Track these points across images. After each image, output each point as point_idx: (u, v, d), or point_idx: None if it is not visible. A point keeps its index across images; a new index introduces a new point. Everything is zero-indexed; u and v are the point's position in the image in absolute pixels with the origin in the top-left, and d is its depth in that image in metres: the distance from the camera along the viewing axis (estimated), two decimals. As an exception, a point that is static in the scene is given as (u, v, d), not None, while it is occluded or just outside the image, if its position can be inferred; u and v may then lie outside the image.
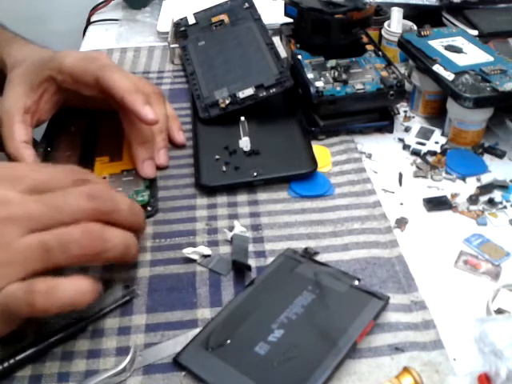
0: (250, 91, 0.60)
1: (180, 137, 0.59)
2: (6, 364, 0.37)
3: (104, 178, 0.53)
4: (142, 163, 0.53)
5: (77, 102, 0.58)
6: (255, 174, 0.53)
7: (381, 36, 0.74)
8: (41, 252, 0.36)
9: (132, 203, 0.42)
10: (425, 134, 0.60)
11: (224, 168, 0.54)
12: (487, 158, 0.57)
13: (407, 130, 0.62)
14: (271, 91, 0.60)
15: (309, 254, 0.46)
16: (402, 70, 0.71)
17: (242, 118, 0.59)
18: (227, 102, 0.61)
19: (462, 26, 0.71)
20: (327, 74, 0.60)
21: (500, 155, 0.58)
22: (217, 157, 0.56)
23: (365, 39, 0.66)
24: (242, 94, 0.60)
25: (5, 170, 0.40)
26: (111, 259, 0.39)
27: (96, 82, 0.51)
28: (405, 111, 0.65)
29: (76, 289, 0.36)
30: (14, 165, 0.47)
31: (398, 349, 0.39)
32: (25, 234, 0.36)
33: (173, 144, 0.59)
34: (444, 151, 0.57)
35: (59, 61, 0.53)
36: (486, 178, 0.54)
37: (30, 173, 0.40)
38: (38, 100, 0.54)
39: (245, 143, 0.56)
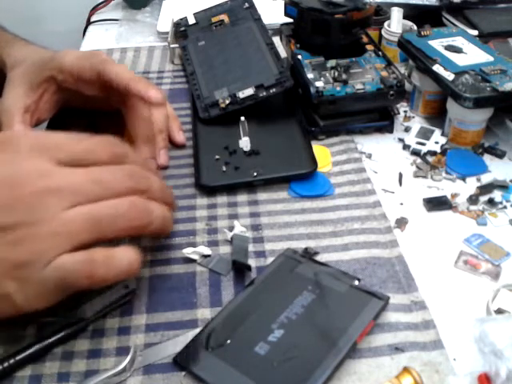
0: (250, 91, 0.60)
1: (180, 137, 0.59)
2: (5, 364, 0.37)
3: None
4: (177, 132, 0.55)
5: (77, 102, 0.58)
6: (255, 174, 0.53)
7: (381, 36, 0.74)
8: (89, 224, 0.36)
9: (163, 183, 0.43)
10: (425, 134, 0.60)
11: (224, 168, 0.54)
12: (487, 158, 0.57)
13: (407, 130, 0.62)
14: (271, 91, 0.60)
15: (309, 254, 0.46)
16: (402, 70, 0.71)
17: (242, 118, 0.59)
18: (227, 101, 0.61)
19: (462, 26, 0.71)
20: (327, 74, 0.60)
21: (500, 155, 0.58)
22: (217, 157, 0.56)
23: (365, 39, 0.66)
24: (242, 94, 0.60)
25: (39, 140, 0.39)
26: (153, 232, 0.40)
27: (97, 77, 0.51)
28: (405, 111, 0.65)
29: (129, 258, 0.38)
30: (47, 134, 0.44)
31: (397, 349, 0.39)
32: (69, 206, 0.36)
33: (173, 144, 0.59)
34: (444, 151, 0.57)
35: (59, 60, 0.53)
36: (486, 178, 0.54)
37: (65, 143, 0.39)
38: (37, 100, 0.54)
39: (245, 143, 0.56)
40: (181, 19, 0.78)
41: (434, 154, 0.57)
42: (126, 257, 0.37)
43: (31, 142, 0.38)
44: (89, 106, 0.59)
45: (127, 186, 0.39)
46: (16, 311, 0.37)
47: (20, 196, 0.35)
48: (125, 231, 0.38)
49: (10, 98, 0.54)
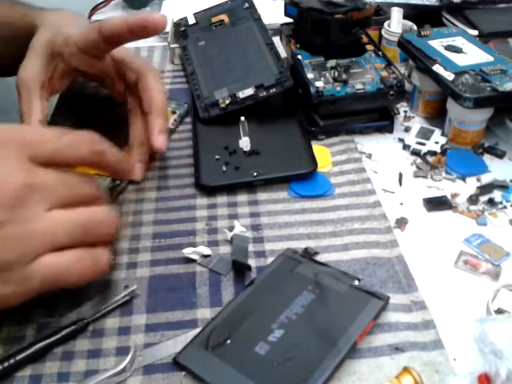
0: (250, 91, 0.60)
1: (159, 142, 0.55)
2: (5, 364, 0.37)
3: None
4: (158, 134, 0.52)
5: (88, 76, 0.58)
6: (255, 174, 0.53)
7: (381, 36, 0.74)
8: (72, 229, 0.37)
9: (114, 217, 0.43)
10: (425, 134, 0.60)
11: (224, 168, 0.54)
12: (487, 158, 0.57)
13: (407, 130, 0.62)
14: (271, 91, 0.60)
15: (309, 254, 0.46)
16: (402, 70, 0.71)
17: (242, 118, 0.59)
18: (227, 101, 0.61)
19: (462, 26, 0.71)
20: (327, 74, 0.60)
21: (500, 155, 0.58)
22: (217, 157, 0.56)
23: (365, 39, 0.66)
24: (242, 94, 0.60)
25: (12, 135, 0.37)
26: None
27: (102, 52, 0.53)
28: (405, 111, 0.65)
29: (108, 256, 0.40)
30: (28, 129, 0.43)
31: (398, 349, 0.39)
32: (50, 208, 0.36)
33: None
34: (444, 151, 0.57)
35: (67, 33, 0.53)
36: (485, 178, 0.54)
37: (46, 139, 0.38)
38: (50, 76, 0.55)
39: (245, 143, 0.56)
40: (181, 19, 0.78)
41: (434, 154, 0.57)
42: (106, 254, 0.40)
43: (11, 138, 0.37)
44: (98, 75, 0.58)
45: (77, 238, 0.39)
46: None
47: (1, 196, 0.35)
48: (103, 237, 0.40)
49: (29, 69, 0.54)
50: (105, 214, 0.40)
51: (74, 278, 0.38)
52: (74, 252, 0.37)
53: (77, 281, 0.38)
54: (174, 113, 0.63)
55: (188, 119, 0.63)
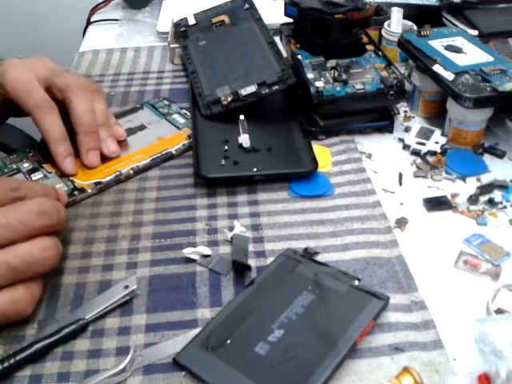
0: (252, 88, 0.60)
1: (110, 148, 0.57)
2: (6, 364, 0.37)
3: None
4: (86, 152, 0.55)
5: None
6: (255, 169, 0.53)
7: (381, 36, 0.74)
8: (5, 272, 0.38)
9: (62, 208, 0.43)
10: (425, 134, 0.60)
11: (223, 162, 0.54)
12: (487, 158, 0.57)
13: (407, 130, 0.62)
14: (273, 88, 0.60)
15: (309, 254, 0.46)
16: (402, 70, 0.71)
17: (242, 117, 0.59)
18: (229, 99, 0.61)
19: (462, 26, 0.71)
20: (327, 74, 0.60)
21: (500, 155, 0.58)
22: (216, 151, 0.55)
23: (365, 39, 0.66)
24: (244, 92, 0.60)
25: None
26: None
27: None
28: (405, 111, 0.65)
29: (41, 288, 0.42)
30: None
31: (398, 349, 0.39)
32: None
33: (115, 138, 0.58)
34: (444, 151, 0.57)
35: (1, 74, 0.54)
36: (485, 178, 0.54)
37: None
38: None
39: (244, 140, 0.56)
40: (181, 19, 0.78)
41: (434, 154, 0.57)
42: (40, 288, 0.41)
43: None
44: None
45: (38, 225, 0.40)
46: None
47: None
48: (40, 274, 0.41)
49: None
50: (42, 250, 0.40)
51: (14, 318, 0.40)
52: (9, 292, 0.38)
53: (18, 319, 0.40)
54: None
55: (188, 117, 0.63)
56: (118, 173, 0.55)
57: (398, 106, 0.63)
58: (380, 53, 0.63)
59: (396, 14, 0.73)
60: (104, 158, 0.56)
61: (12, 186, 0.41)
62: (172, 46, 0.76)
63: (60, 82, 0.54)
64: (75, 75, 0.57)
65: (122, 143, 0.58)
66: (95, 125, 0.55)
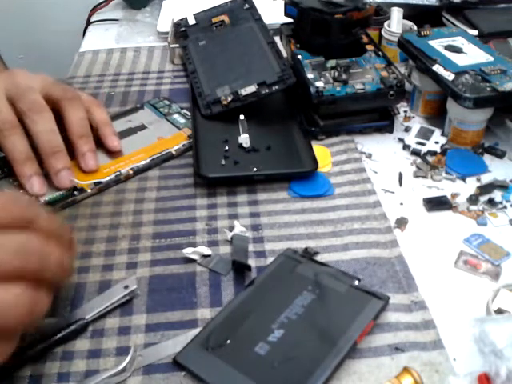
0: (252, 88, 0.60)
1: (113, 142, 0.57)
2: (6, 364, 0.37)
3: None
4: (82, 156, 0.54)
5: None
6: (255, 169, 0.53)
7: (381, 36, 0.74)
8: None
9: (62, 255, 0.37)
10: (425, 134, 0.60)
11: (223, 161, 0.54)
12: (487, 158, 0.57)
13: (407, 130, 0.62)
14: (274, 88, 0.60)
15: (309, 254, 0.46)
16: (402, 70, 0.71)
17: (242, 117, 0.59)
18: (229, 99, 0.61)
19: (462, 26, 0.71)
20: (327, 74, 0.60)
21: (500, 155, 0.58)
22: (217, 151, 0.55)
23: (365, 39, 0.66)
24: (244, 91, 0.60)
25: None
26: None
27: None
28: (405, 111, 0.65)
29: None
30: None
31: (398, 349, 0.39)
32: None
33: (107, 150, 0.57)
34: (444, 151, 0.57)
35: None
36: (485, 178, 0.54)
37: None
38: None
39: (244, 140, 0.56)
40: (181, 20, 0.78)
41: (434, 154, 0.57)
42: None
43: None
44: None
45: (14, 266, 0.33)
46: None
47: None
48: (12, 325, 0.33)
49: None
50: (14, 296, 0.33)
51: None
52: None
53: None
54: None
55: (188, 118, 0.63)
56: (117, 173, 0.55)
57: (398, 105, 0.63)
58: (380, 53, 0.63)
59: (396, 14, 0.73)
60: (104, 158, 0.56)
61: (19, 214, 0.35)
62: (172, 46, 0.77)
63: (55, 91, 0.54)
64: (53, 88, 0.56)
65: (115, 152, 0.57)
66: (86, 128, 0.54)
